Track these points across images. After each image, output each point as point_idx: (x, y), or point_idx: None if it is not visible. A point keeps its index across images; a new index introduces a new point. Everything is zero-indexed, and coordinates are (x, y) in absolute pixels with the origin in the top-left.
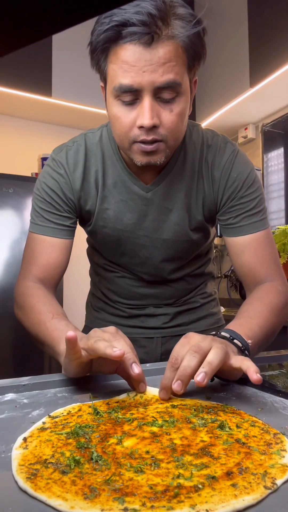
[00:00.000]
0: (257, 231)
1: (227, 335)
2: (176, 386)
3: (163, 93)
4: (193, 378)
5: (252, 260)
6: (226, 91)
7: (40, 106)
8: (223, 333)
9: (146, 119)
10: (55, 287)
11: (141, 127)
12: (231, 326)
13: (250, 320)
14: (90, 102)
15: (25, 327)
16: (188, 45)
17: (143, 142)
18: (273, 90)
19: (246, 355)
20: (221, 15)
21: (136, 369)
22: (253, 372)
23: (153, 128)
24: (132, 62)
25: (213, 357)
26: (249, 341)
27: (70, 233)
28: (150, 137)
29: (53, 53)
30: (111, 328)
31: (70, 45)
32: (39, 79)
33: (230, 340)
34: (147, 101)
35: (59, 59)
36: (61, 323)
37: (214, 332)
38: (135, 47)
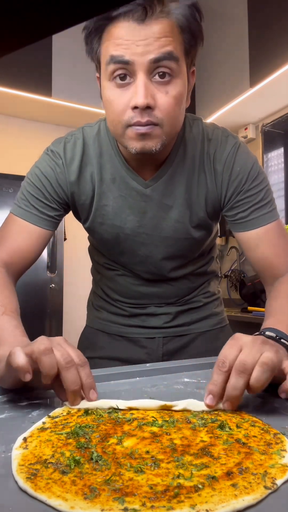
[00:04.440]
0: (268, 222)
1: (273, 334)
2: (226, 406)
3: (159, 72)
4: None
5: (268, 252)
6: (226, 91)
7: (40, 106)
8: (268, 333)
9: (139, 98)
10: (19, 275)
11: (135, 108)
12: (269, 323)
13: (287, 317)
14: (90, 102)
15: None
16: (184, 25)
17: (138, 124)
18: (273, 90)
19: None
20: (221, 15)
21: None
22: (284, 389)
23: (147, 109)
24: (126, 37)
25: (257, 379)
26: None
27: (52, 225)
28: (144, 119)
29: (53, 53)
30: (59, 339)
31: (70, 45)
32: (39, 79)
33: (277, 340)
34: (141, 79)
35: (59, 59)
36: (10, 322)
37: (257, 333)
38: (128, 23)
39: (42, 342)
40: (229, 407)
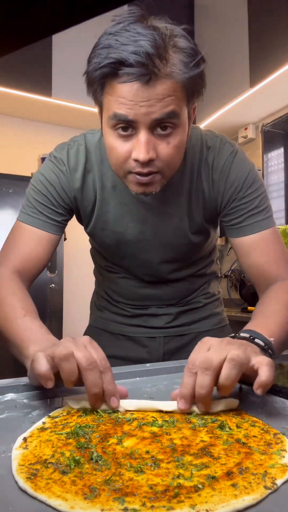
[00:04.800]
0: (262, 229)
1: (246, 335)
2: (199, 407)
3: (160, 126)
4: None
5: (261, 259)
6: (226, 91)
7: (40, 106)
8: (242, 334)
9: (141, 154)
10: (31, 282)
11: (136, 160)
12: (249, 326)
13: (267, 320)
14: (90, 102)
15: None
16: (188, 82)
17: (139, 174)
18: (273, 90)
19: (270, 354)
20: (221, 15)
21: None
22: (258, 383)
23: (149, 161)
24: (129, 97)
25: (226, 377)
26: (271, 339)
27: (59, 229)
28: (145, 170)
29: (53, 53)
30: (85, 339)
31: (70, 45)
32: (39, 79)
33: (251, 340)
34: (143, 135)
35: (59, 59)
36: (33, 322)
37: (233, 334)
38: (132, 84)
39: (65, 345)
40: (202, 409)
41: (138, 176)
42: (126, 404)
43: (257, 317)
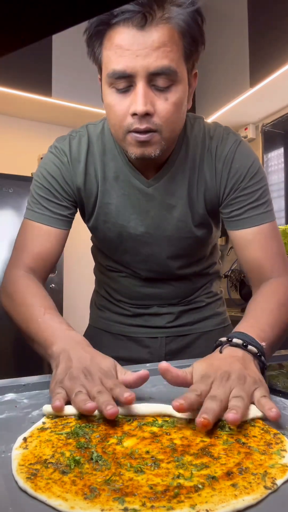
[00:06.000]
0: (262, 223)
1: (239, 341)
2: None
3: (158, 80)
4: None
5: (258, 254)
6: (226, 91)
7: (40, 106)
8: (235, 340)
9: (139, 106)
10: (46, 278)
11: (134, 114)
12: (241, 328)
13: (259, 320)
14: (90, 102)
15: (13, 318)
16: (185, 30)
17: (137, 131)
18: (273, 90)
19: (262, 362)
20: (221, 16)
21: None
22: (268, 410)
23: (146, 116)
24: (126, 46)
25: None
26: (263, 343)
27: (67, 224)
28: (143, 126)
29: (53, 53)
30: (101, 370)
31: (70, 45)
32: (39, 79)
33: (244, 347)
34: (140, 87)
35: (59, 59)
36: (53, 320)
37: (225, 339)
38: (128, 29)
39: (81, 389)
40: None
41: (136, 134)
42: (145, 410)
43: (249, 316)
